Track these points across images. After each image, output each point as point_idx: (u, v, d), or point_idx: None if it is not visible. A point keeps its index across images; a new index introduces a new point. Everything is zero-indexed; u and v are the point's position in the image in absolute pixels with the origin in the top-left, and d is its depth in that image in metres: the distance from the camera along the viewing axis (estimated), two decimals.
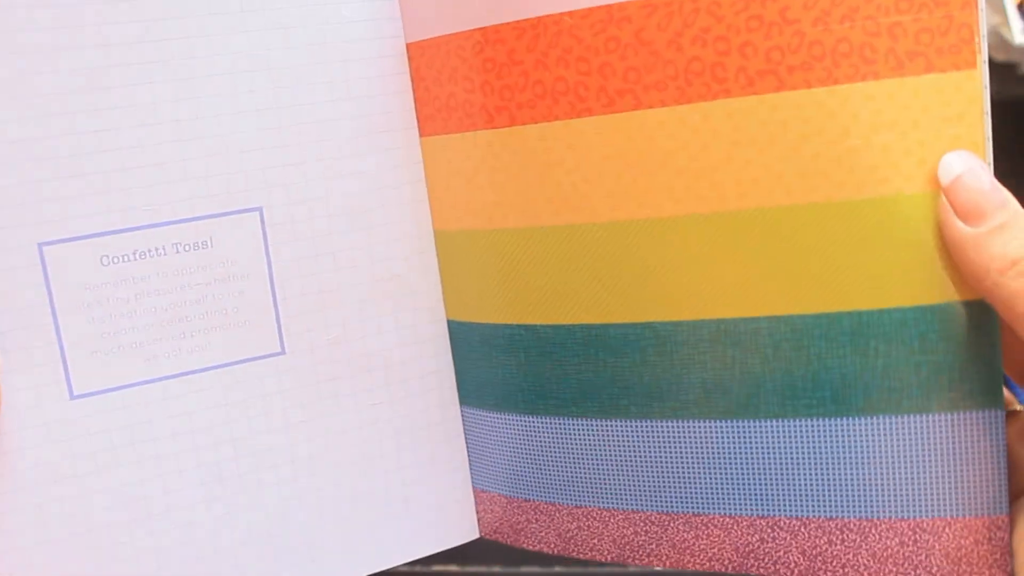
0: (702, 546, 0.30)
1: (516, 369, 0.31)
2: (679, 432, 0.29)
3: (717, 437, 0.29)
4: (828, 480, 0.28)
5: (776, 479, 0.29)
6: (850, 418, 0.28)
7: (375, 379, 0.31)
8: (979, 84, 0.25)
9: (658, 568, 0.31)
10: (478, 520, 0.34)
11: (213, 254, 0.29)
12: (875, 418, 0.27)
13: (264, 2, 0.29)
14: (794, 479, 0.29)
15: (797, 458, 0.28)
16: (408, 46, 0.31)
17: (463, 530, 0.34)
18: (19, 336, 0.27)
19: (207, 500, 0.30)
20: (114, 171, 0.27)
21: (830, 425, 0.28)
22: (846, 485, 0.28)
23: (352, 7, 0.30)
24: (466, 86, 0.30)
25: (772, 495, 0.29)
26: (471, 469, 0.33)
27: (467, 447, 0.33)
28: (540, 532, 0.32)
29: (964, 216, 0.25)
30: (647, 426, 0.30)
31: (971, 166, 0.25)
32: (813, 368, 0.28)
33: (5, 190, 0.26)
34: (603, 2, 0.27)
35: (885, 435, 0.27)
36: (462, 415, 0.33)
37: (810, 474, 0.28)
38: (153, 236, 0.28)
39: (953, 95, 0.25)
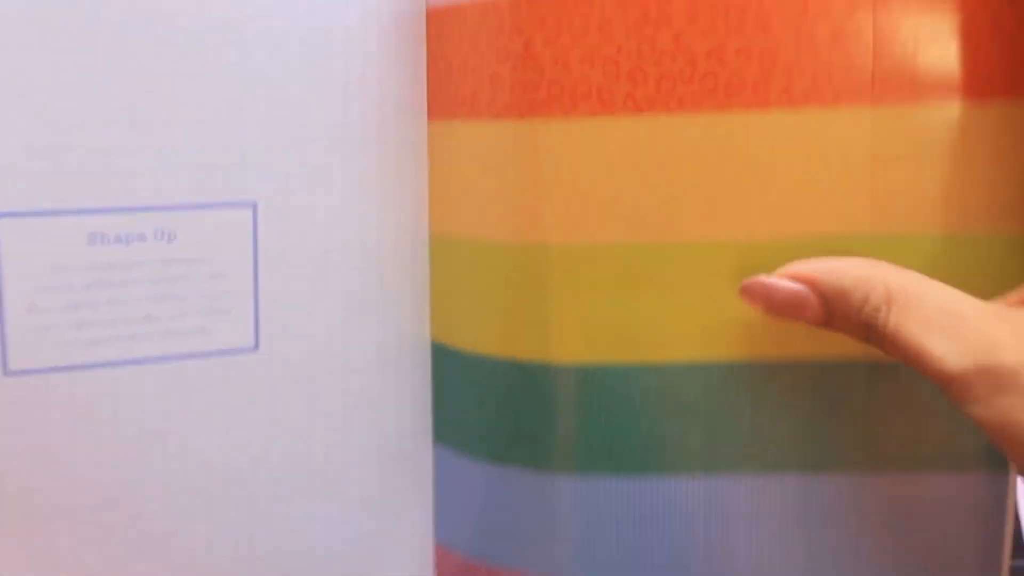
0: None
1: (495, 410, 0.26)
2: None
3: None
4: None
5: None
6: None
7: (348, 390, 0.27)
8: None
9: None
10: None
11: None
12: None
13: None
14: None
15: None
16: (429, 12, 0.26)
17: None
18: None
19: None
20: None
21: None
22: None
23: None
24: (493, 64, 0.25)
25: None
26: (436, 518, 0.28)
27: (435, 491, 0.28)
28: None
29: None
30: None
31: None
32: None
33: None
34: None
35: None
36: (434, 453, 0.28)
37: None
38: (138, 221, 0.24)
39: None
